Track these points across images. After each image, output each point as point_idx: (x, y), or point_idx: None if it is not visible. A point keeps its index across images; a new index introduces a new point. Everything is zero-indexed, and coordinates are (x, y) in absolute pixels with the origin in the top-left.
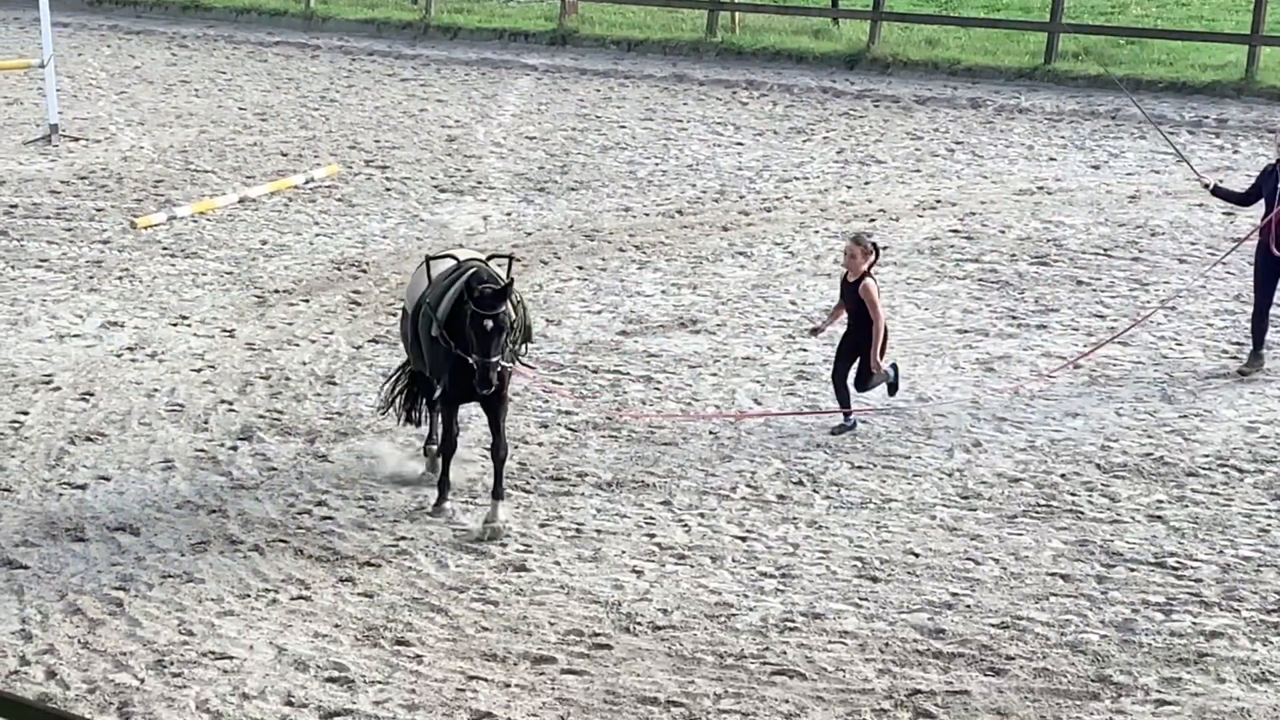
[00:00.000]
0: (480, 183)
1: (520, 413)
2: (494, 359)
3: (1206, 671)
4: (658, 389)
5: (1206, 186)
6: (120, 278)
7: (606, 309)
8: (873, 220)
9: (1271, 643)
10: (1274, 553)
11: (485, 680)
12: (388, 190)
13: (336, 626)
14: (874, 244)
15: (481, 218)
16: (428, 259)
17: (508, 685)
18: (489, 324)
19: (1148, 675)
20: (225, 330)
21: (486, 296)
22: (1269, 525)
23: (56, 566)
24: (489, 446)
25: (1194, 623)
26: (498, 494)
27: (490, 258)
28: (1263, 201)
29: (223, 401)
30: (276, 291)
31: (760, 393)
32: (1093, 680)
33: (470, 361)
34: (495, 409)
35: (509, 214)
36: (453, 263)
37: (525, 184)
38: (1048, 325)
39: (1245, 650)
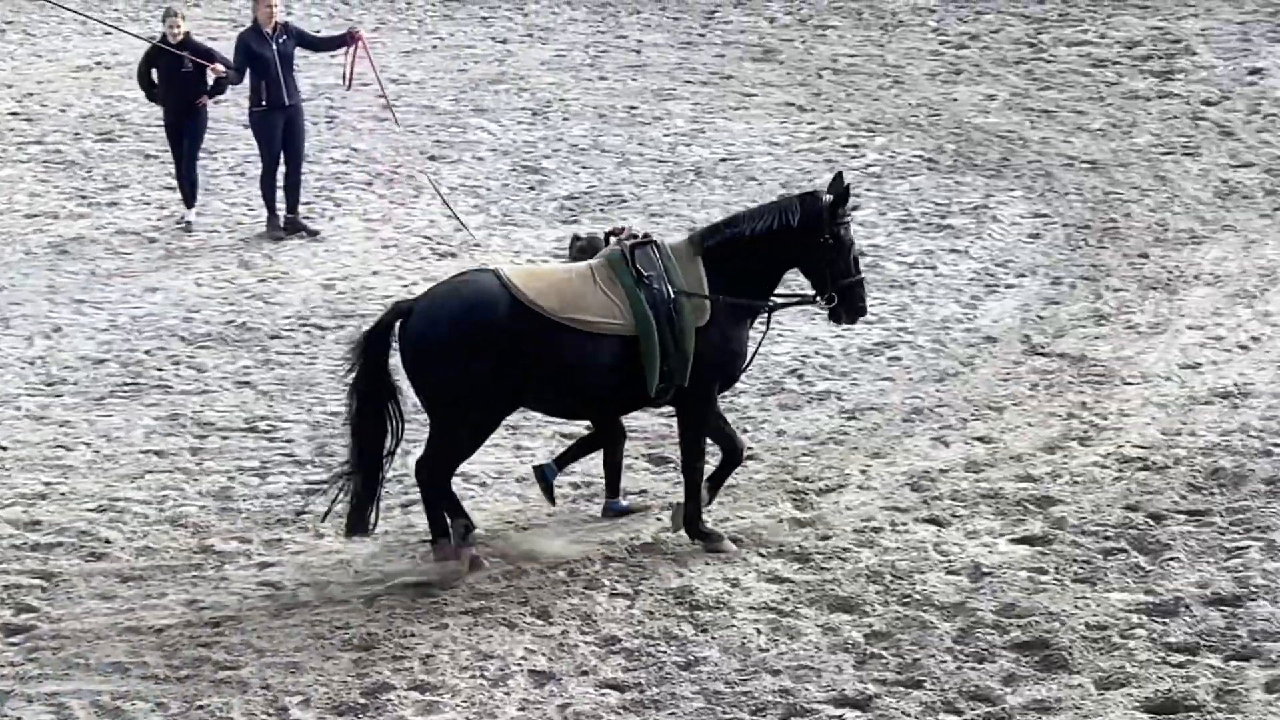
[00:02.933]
0: None
1: None
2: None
3: (305, 529)
4: None
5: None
6: None
7: None
8: None
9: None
10: None
11: None
12: None
13: None
14: None
15: None
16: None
17: None
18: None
19: (250, 539)
20: None
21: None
22: None
23: None
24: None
25: (289, 483)
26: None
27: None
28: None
29: None
30: None
31: None
32: (196, 551)
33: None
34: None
35: None
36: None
37: None
38: (119, 201)
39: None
